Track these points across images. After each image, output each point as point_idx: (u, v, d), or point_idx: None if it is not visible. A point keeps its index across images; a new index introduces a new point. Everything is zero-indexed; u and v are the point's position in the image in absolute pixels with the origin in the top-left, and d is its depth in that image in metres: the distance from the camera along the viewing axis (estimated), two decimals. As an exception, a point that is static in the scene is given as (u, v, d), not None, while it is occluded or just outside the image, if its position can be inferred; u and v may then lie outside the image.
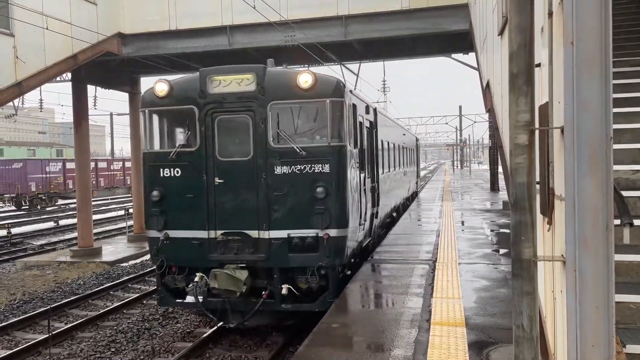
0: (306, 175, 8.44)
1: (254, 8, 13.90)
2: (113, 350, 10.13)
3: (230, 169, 8.72)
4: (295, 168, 8.45)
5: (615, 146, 4.02)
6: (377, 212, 12.08)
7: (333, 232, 8.41)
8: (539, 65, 4.13)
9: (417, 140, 30.54)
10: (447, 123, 73.48)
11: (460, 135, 70.45)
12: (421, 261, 9.98)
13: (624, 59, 7.12)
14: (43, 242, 24.34)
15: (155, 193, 8.93)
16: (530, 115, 3.13)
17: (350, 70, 23.81)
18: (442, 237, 12.71)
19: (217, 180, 8.73)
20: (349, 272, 9.23)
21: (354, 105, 9.48)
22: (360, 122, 10.16)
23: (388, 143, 15.04)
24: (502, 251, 10.89)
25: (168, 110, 9.20)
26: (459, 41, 17.79)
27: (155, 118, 9.32)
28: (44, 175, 38.82)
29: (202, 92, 8.78)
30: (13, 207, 39.06)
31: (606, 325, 2.60)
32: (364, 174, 10.21)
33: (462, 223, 15.38)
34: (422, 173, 62.53)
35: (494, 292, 7.74)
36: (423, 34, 16.71)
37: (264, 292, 8.61)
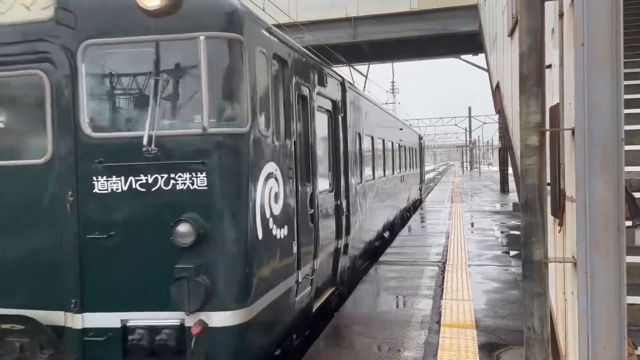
0: (159, 196, 4.32)
1: (264, 10, 13.96)
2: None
3: (6, 184, 4.61)
4: (137, 181, 4.33)
5: (627, 147, 4.01)
6: (347, 246, 8.03)
7: (216, 319, 4.29)
8: (549, 66, 4.12)
9: (420, 138, 25.88)
10: (456, 124, 73.36)
11: (470, 137, 70.27)
12: (431, 263, 9.96)
13: (635, 59, 7.08)
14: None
15: None
16: (540, 116, 3.13)
17: (359, 72, 23.88)
18: (451, 238, 12.67)
19: None
20: None
21: (284, 62, 5.40)
22: (305, 97, 6.15)
23: (372, 139, 10.92)
24: (512, 253, 10.84)
25: None
26: (468, 42, 17.78)
27: None
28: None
29: None
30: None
31: (617, 327, 2.60)
32: (311, 188, 6.24)
33: (472, 225, 15.33)
34: (430, 175, 62.39)
35: (505, 294, 7.72)
36: (432, 35, 16.74)
37: None
